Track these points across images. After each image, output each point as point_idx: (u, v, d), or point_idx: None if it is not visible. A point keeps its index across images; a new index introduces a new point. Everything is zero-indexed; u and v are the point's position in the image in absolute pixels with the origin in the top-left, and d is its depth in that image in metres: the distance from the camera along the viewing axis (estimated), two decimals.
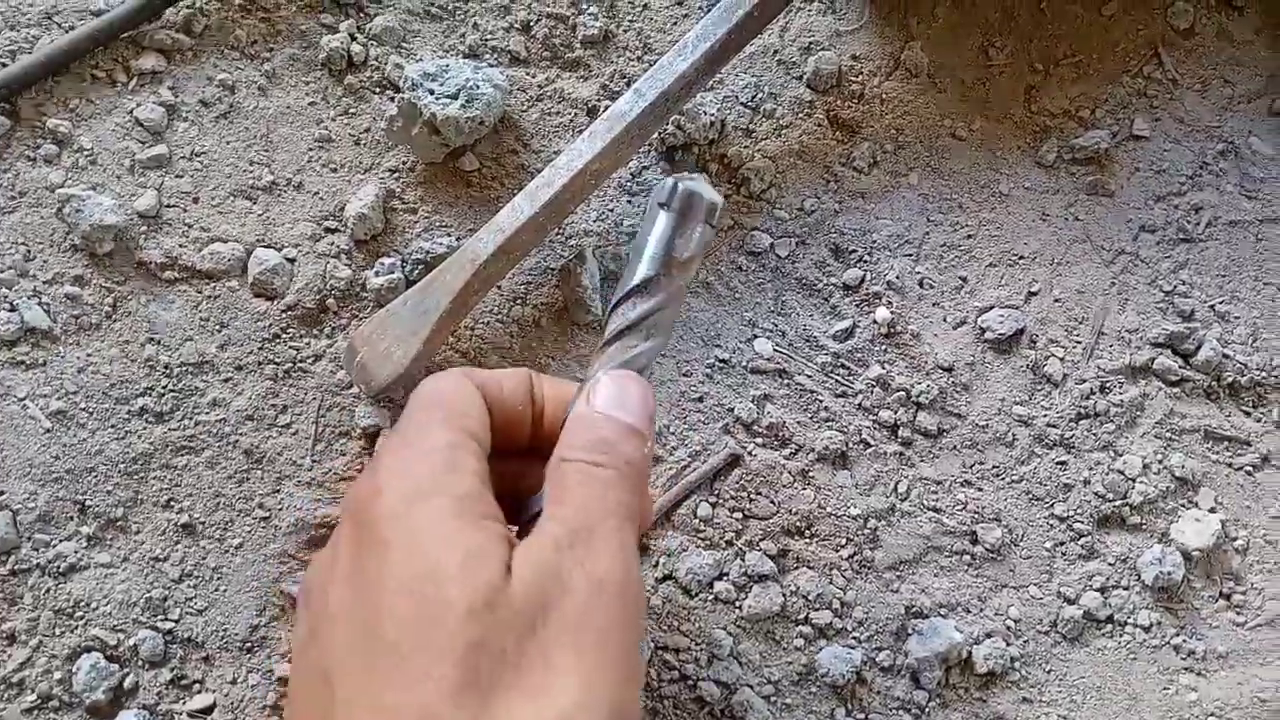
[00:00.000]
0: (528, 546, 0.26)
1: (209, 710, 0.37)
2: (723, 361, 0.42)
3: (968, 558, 0.41)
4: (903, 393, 0.42)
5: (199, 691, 0.37)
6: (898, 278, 0.43)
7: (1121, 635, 0.41)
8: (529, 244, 0.39)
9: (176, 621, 0.38)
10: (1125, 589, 0.41)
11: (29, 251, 0.40)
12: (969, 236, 0.45)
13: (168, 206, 0.41)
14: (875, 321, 0.43)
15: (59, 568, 0.37)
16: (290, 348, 0.40)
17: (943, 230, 0.45)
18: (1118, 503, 0.42)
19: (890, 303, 0.43)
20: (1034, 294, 0.44)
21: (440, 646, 0.23)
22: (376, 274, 0.41)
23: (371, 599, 0.25)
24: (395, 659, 0.24)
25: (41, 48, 0.41)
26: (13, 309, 0.39)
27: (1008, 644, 0.40)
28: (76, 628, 0.37)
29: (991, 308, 0.44)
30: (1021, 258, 0.45)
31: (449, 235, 0.42)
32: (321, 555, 0.29)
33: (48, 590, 0.37)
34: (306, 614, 0.28)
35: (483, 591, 0.24)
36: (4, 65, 0.41)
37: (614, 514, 0.28)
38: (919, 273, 0.44)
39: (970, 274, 0.44)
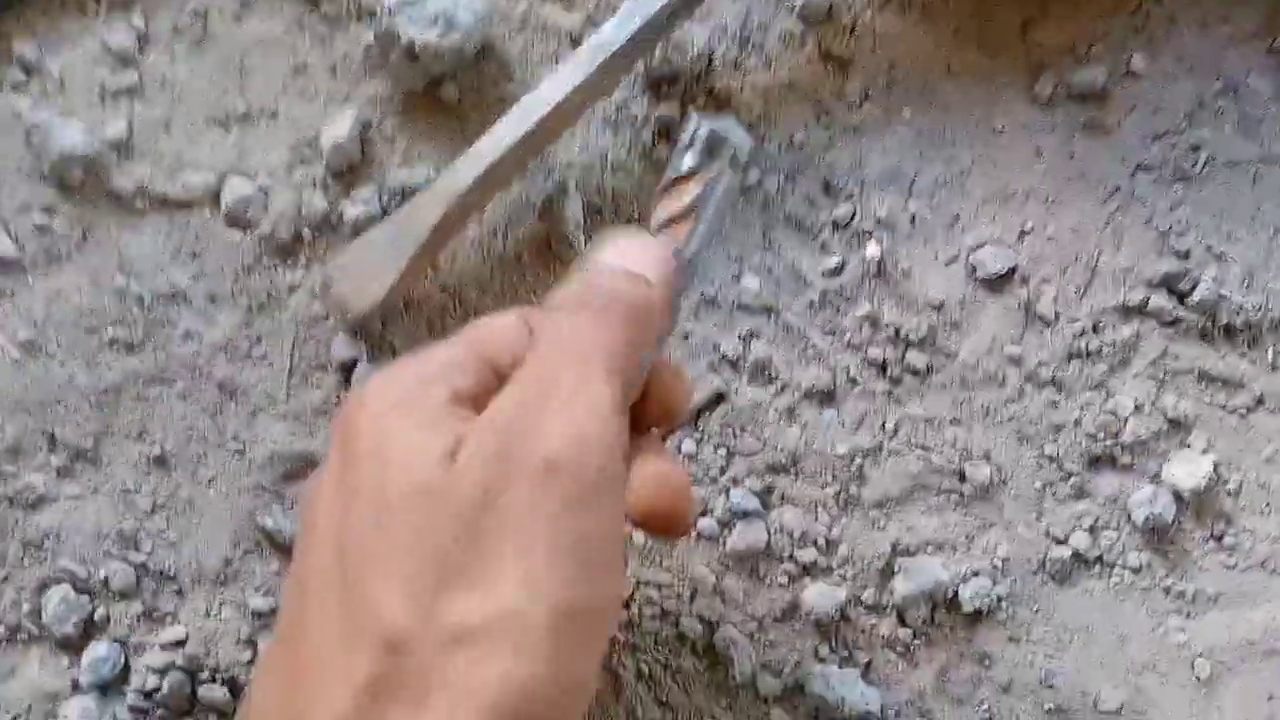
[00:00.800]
0: (474, 426, 0.24)
1: (181, 643, 0.37)
2: (708, 299, 0.42)
3: (955, 496, 0.41)
4: (892, 330, 0.41)
5: (171, 624, 0.37)
6: (888, 214, 0.43)
7: (1110, 576, 0.41)
8: (509, 174, 0.39)
9: (148, 554, 0.37)
10: (1115, 530, 0.41)
11: None
12: (962, 173, 0.44)
13: (139, 135, 0.40)
14: (865, 258, 0.42)
15: (28, 499, 0.37)
16: (265, 279, 0.40)
17: (935, 166, 0.44)
18: (1109, 443, 0.41)
19: (880, 240, 0.42)
20: (1027, 232, 0.44)
21: (391, 546, 0.23)
22: (353, 204, 0.40)
23: (342, 509, 0.24)
24: (358, 566, 0.23)
25: None
26: None
27: (995, 583, 0.40)
28: (45, 559, 0.37)
29: (983, 245, 0.43)
30: (1015, 195, 0.44)
31: (428, 166, 0.41)
32: (317, 470, 0.28)
33: (16, 521, 0.37)
34: (299, 528, 0.28)
35: (419, 482, 0.23)
36: None
37: (580, 365, 0.24)
38: (910, 209, 0.43)
39: (962, 211, 0.43)
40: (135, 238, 0.39)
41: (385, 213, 0.40)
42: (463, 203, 0.37)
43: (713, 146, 0.33)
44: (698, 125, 0.33)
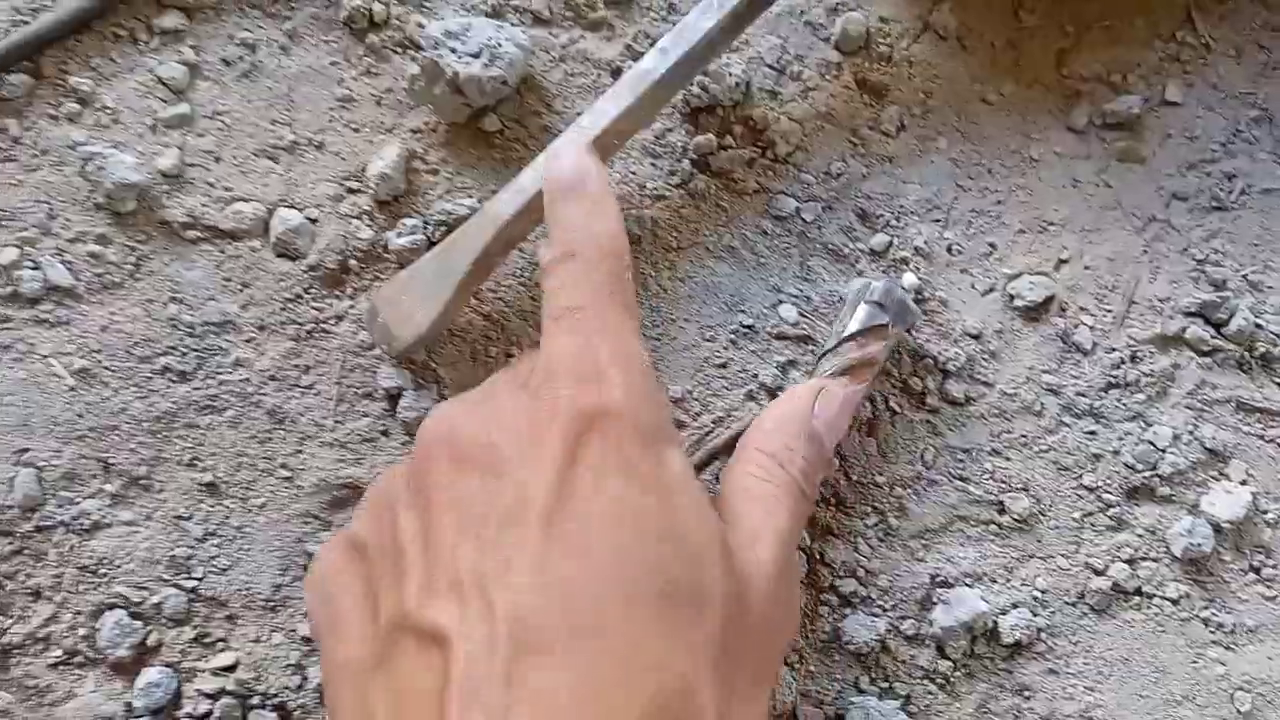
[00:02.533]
0: (760, 560, 0.26)
1: (232, 668, 0.37)
2: (747, 327, 0.42)
3: (994, 527, 0.41)
4: (930, 360, 0.42)
5: (222, 649, 0.38)
6: (925, 243, 0.43)
7: (1149, 607, 0.41)
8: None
9: (200, 580, 0.38)
10: (1154, 561, 0.41)
11: (52, 209, 0.40)
12: (998, 202, 0.44)
13: (190, 165, 0.41)
14: (903, 288, 0.42)
15: (83, 525, 0.38)
16: (312, 308, 0.40)
17: (971, 196, 0.44)
18: (1147, 474, 0.42)
19: (918, 268, 0.43)
20: (1064, 261, 0.44)
21: (705, 616, 0.23)
22: (399, 235, 0.41)
23: (605, 529, 0.23)
24: (652, 611, 0.22)
25: (64, 5, 0.41)
26: (36, 267, 0.39)
27: (1034, 614, 0.40)
28: (100, 585, 0.37)
29: (1020, 275, 0.43)
30: (1051, 224, 0.44)
31: (471, 196, 0.41)
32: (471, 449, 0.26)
33: (72, 547, 0.37)
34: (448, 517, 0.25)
35: (734, 586, 0.24)
36: (26, 23, 0.41)
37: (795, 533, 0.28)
38: (947, 238, 0.44)
39: (999, 240, 0.44)
40: (187, 267, 0.40)
41: (431, 243, 0.40)
42: (505, 234, 0.38)
43: (890, 309, 0.38)
44: (875, 286, 0.38)
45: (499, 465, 0.25)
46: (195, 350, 0.39)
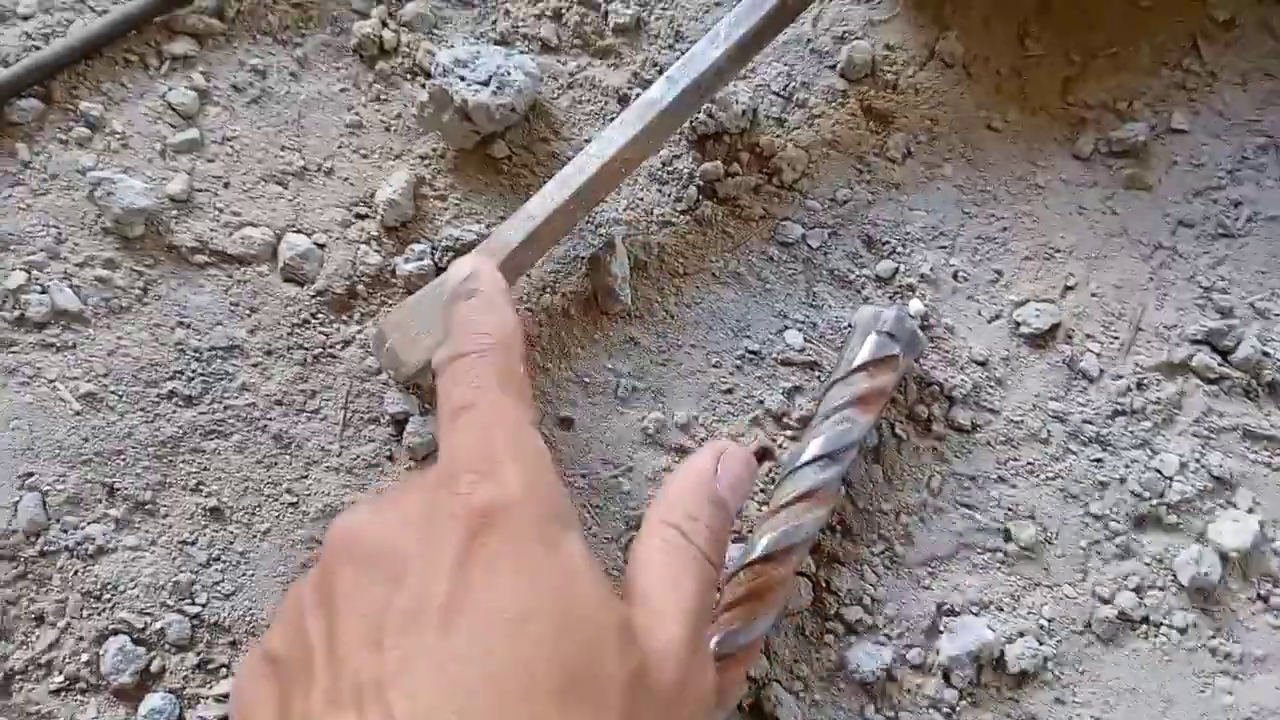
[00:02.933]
0: (668, 638, 0.26)
1: None
2: (752, 353, 0.42)
3: (1001, 555, 0.41)
4: (936, 386, 0.42)
5: (225, 676, 0.38)
6: (931, 270, 0.43)
7: (1156, 636, 0.41)
8: (559, 231, 0.39)
9: (203, 605, 0.38)
10: (1161, 589, 0.41)
11: (60, 234, 0.40)
12: (1004, 229, 0.45)
13: (199, 191, 0.41)
14: (910, 315, 0.43)
15: (87, 550, 0.38)
16: (320, 333, 0.41)
17: (978, 222, 0.44)
18: (1154, 502, 0.42)
19: (924, 295, 0.43)
20: (1070, 288, 0.44)
21: (604, 707, 0.23)
22: (407, 261, 0.41)
23: (502, 625, 0.23)
24: (553, 706, 0.22)
25: (75, 31, 0.42)
26: (44, 291, 0.39)
27: (1041, 643, 0.40)
28: (104, 610, 0.37)
29: (1027, 301, 0.43)
30: (1058, 251, 0.44)
31: (479, 222, 0.42)
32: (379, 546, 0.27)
33: (76, 572, 0.37)
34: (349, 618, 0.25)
35: (638, 669, 0.24)
36: (38, 48, 0.41)
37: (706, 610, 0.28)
38: (953, 265, 0.44)
39: (1005, 267, 0.44)
40: (194, 292, 0.40)
41: (438, 269, 0.41)
42: (512, 261, 0.38)
43: (901, 339, 0.39)
44: (886, 316, 0.39)
45: (399, 568, 0.25)
46: (202, 375, 0.39)
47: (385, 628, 0.23)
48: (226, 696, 0.37)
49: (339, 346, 0.40)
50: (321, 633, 0.25)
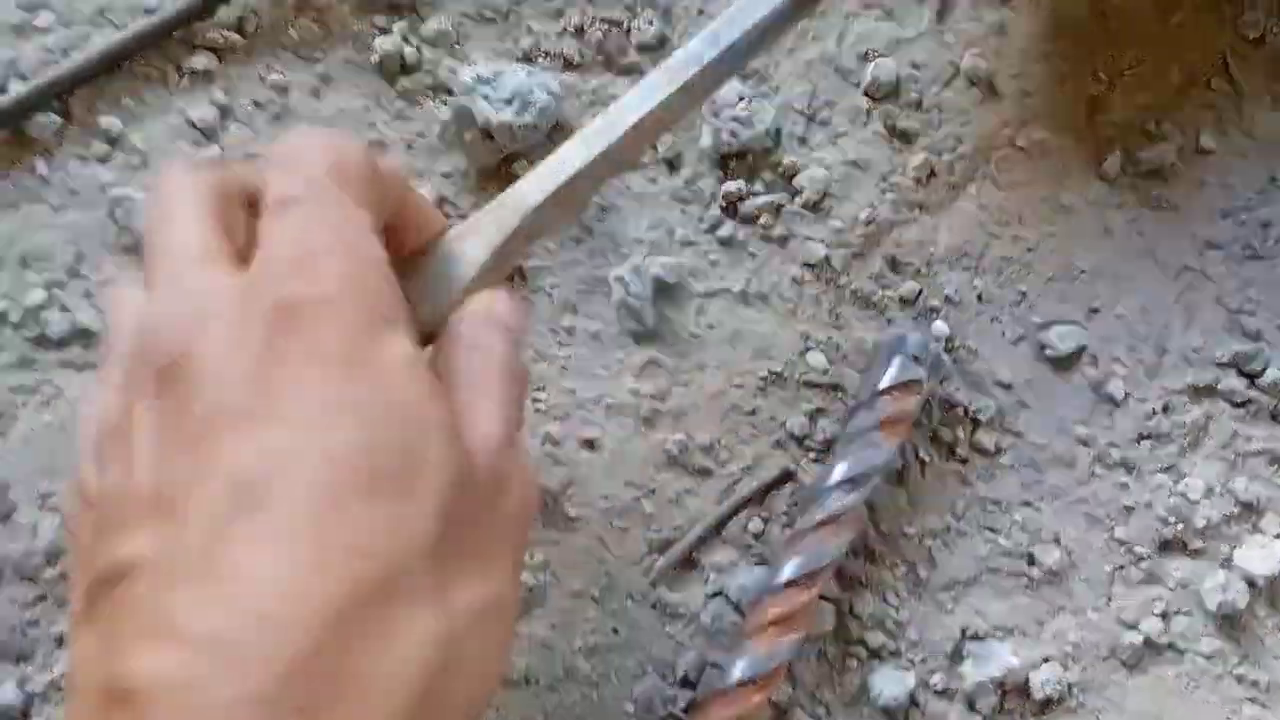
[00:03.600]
0: (485, 434, 0.26)
1: None
2: (775, 374, 0.42)
3: (1025, 580, 0.41)
4: (960, 409, 0.42)
5: None
6: (955, 291, 0.44)
7: (1182, 663, 0.41)
8: (581, 198, 0.36)
9: None
10: (1187, 615, 0.41)
11: (80, 251, 0.40)
12: (1029, 250, 0.45)
13: None
14: (934, 337, 0.43)
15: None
16: None
17: (1002, 243, 0.45)
18: (1180, 526, 0.42)
19: (948, 317, 0.43)
20: (1096, 310, 0.44)
21: (419, 498, 0.23)
22: None
23: (307, 424, 0.23)
24: (365, 491, 0.22)
25: (94, 45, 0.42)
26: (64, 309, 0.40)
27: (1065, 669, 0.40)
28: None
29: (1052, 324, 0.44)
30: (1083, 272, 0.45)
31: None
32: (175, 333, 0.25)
33: None
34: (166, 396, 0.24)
35: (459, 463, 0.24)
36: (57, 63, 0.42)
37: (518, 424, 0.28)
38: (977, 286, 0.44)
39: (1030, 288, 0.44)
40: None
41: None
42: (528, 227, 0.33)
43: (925, 363, 0.39)
44: (911, 340, 0.39)
45: (196, 371, 0.23)
46: None
47: (186, 436, 0.23)
48: None
49: None
50: (120, 455, 0.24)
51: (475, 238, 0.32)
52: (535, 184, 0.33)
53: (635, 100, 0.34)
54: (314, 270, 0.24)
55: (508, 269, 0.35)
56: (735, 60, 0.36)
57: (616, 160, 0.35)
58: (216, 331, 0.24)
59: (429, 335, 0.31)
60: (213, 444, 0.22)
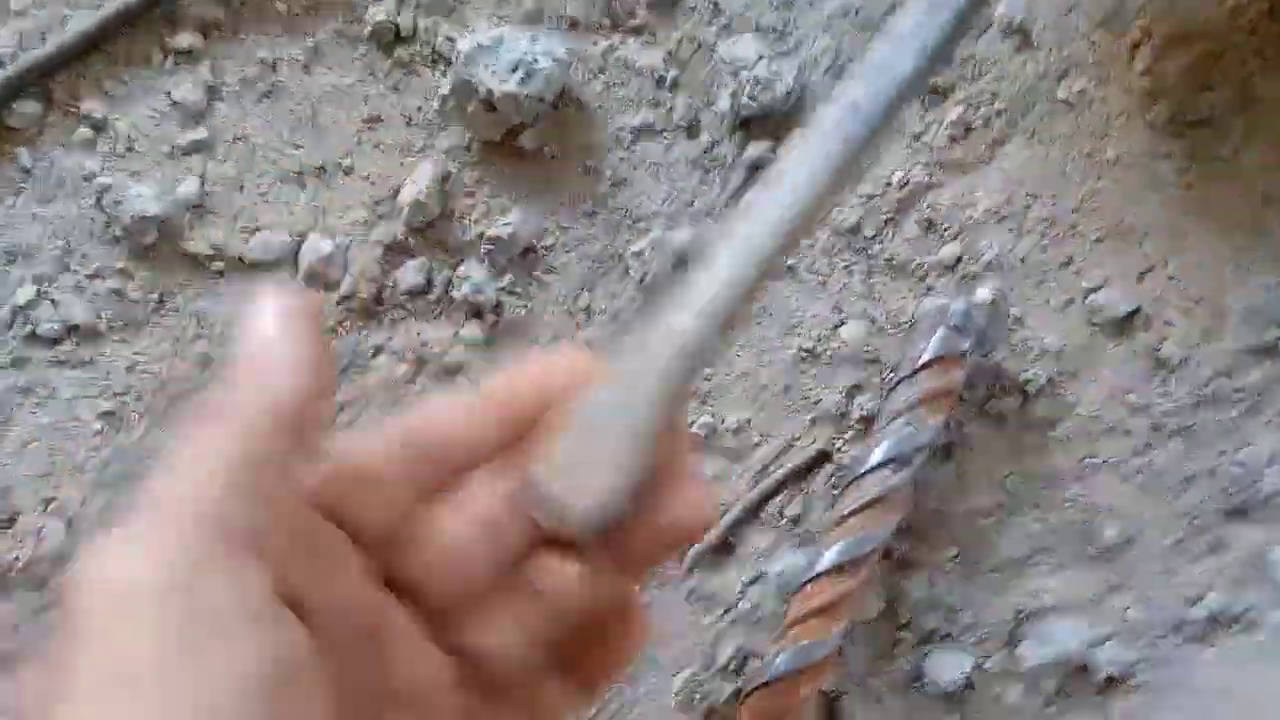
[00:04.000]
0: None
1: None
2: (807, 350, 0.48)
3: (1083, 556, 0.47)
4: (1008, 381, 0.48)
5: None
6: (998, 256, 0.49)
7: (1250, 636, 0.47)
8: (738, 319, 0.32)
9: None
10: (1254, 587, 0.47)
11: (69, 244, 0.46)
12: (1074, 209, 0.50)
13: (211, 194, 0.47)
14: (976, 305, 0.48)
15: None
16: (348, 342, 0.47)
17: (1045, 203, 0.50)
18: (1244, 495, 0.47)
19: (991, 283, 0.49)
20: (1147, 271, 0.50)
21: None
22: (404, 276, 0.47)
23: None
24: None
25: (73, 26, 0.48)
26: (55, 305, 0.46)
27: (1129, 647, 0.46)
28: None
29: (1101, 286, 0.49)
30: (1133, 231, 0.50)
31: (510, 217, 0.48)
32: None
33: None
34: None
35: None
36: (35, 47, 0.47)
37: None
38: (1021, 250, 0.50)
39: (1077, 250, 0.50)
40: (213, 302, 0.46)
41: (489, 265, 0.47)
42: (696, 352, 0.30)
43: (969, 333, 0.42)
44: (953, 309, 0.42)
45: None
46: None
47: None
48: None
49: (369, 355, 0.47)
50: None
51: (638, 379, 0.30)
52: (684, 314, 0.31)
53: (789, 182, 0.31)
54: None
55: (685, 402, 0.36)
56: (885, 125, 0.31)
57: (777, 264, 0.32)
58: None
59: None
60: None
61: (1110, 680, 0.45)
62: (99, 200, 0.46)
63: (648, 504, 0.28)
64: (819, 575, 0.43)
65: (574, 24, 0.50)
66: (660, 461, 0.29)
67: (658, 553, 0.29)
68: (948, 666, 0.44)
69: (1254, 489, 0.48)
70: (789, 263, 0.49)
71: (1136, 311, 0.49)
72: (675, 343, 0.30)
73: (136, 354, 0.46)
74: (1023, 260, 0.50)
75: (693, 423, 0.47)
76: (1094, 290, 0.50)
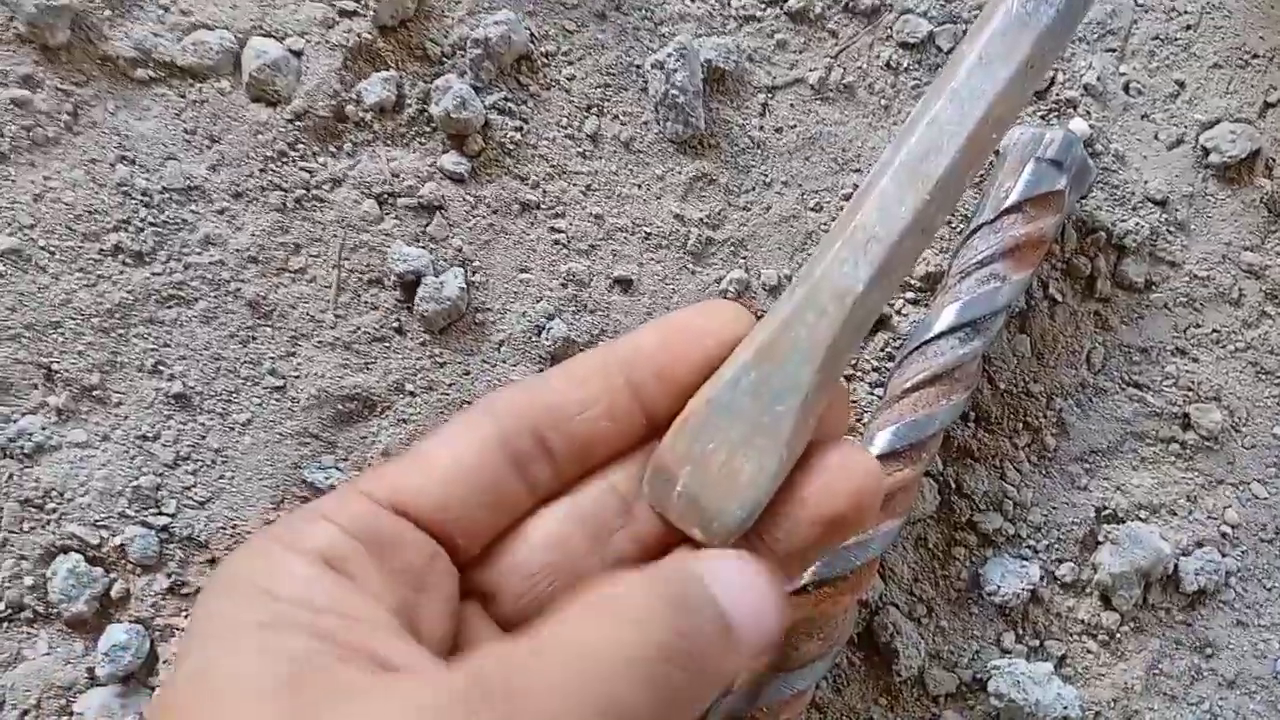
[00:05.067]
0: None
1: None
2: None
3: (1176, 447, 0.40)
4: (1102, 233, 0.40)
5: None
6: (1098, 80, 0.41)
7: None
8: (912, 255, 0.29)
9: (173, 516, 0.38)
10: None
11: None
12: (1188, 28, 0.42)
13: None
14: (1075, 137, 0.40)
15: (24, 448, 0.37)
16: (301, 170, 0.39)
17: (1155, 18, 0.42)
18: None
19: (1088, 113, 0.41)
20: (1271, 105, 0.42)
21: None
22: (411, 78, 0.39)
23: None
24: None
25: None
26: None
27: (1223, 555, 0.40)
28: (49, 523, 0.37)
29: (1217, 122, 0.42)
30: (1255, 57, 0.42)
31: (500, 14, 0.39)
32: None
33: (11, 476, 0.37)
34: None
35: None
36: None
37: None
38: (1124, 74, 0.42)
39: (1189, 77, 0.42)
40: (138, 117, 0.38)
41: (475, 76, 0.38)
42: (857, 316, 0.27)
43: (1068, 169, 0.36)
44: (1050, 139, 0.36)
45: None
46: (153, 224, 0.38)
47: None
48: None
49: (327, 187, 0.39)
50: None
51: (785, 355, 0.27)
52: (852, 257, 0.28)
53: (960, 100, 0.29)
54: None
55: (836, 381, 0.29)
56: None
57: (949, 195, 0.29)
58: None
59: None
60: None
61: (1201, 593, 0.40)
62: None
63: (796, 493, 0.26)
64: None
65: None
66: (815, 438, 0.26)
67: (808, 550, 0.26)
68: (1012, 574, 0.38)
69: None
70: (846, 80, 0.40)
71: (1257, 154, 0.42)
72: (834, 301, 0.27)
73: (46, 179, 0.38)
74: (1126, 88, 0.42)
75: (722, 278, 0.39)
76: (1208, 126, 0.42)
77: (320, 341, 0.38)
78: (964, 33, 0.41)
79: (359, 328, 0.39)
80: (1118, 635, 0.39)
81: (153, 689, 0.37)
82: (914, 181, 0.28)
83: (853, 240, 0.27)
